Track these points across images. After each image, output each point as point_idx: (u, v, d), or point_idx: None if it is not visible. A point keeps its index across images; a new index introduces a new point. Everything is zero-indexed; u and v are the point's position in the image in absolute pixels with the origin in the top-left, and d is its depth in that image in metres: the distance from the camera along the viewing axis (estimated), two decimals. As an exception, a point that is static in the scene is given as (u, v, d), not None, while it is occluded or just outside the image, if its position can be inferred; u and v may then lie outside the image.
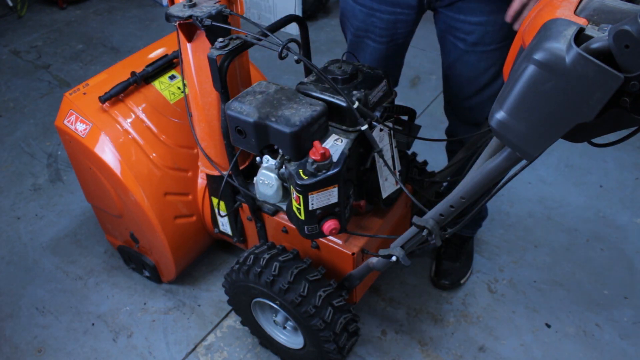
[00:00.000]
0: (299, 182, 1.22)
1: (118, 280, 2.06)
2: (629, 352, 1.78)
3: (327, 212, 1.29)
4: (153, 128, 1.73)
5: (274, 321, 1.68)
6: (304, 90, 1.35)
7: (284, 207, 1.54)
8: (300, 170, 1.23)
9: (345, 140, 1.28)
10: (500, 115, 0.84)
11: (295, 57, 1.21)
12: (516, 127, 0.83)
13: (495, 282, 2.01)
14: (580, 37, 0.76)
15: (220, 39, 1.33)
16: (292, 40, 1.29)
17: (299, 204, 1.26)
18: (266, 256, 1.50)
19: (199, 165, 1.77)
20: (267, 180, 1.46)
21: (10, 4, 3.93)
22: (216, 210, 1.76)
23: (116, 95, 1.67)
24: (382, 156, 1.30)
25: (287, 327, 1.67)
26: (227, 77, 1.34)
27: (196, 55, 1.44)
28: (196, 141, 1.61)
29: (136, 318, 1.92)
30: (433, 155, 2.12)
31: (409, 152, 1.66)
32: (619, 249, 2.12)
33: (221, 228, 1.84)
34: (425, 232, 1.16)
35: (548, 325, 1.87)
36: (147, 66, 1.75)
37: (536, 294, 1.97)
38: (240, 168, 1.62)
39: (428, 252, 2.11)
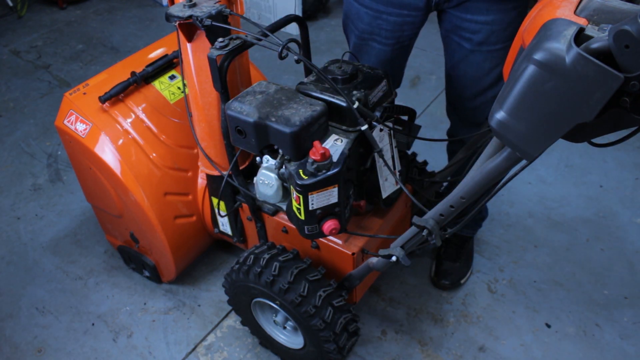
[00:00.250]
0: (299, 182, 1.22)
1: (118, 280, 2.06)
2: (629, 352, 1.78)
3: (327, 212, 1.29)
4: (153, 128, 1.73)
5: (274, 321, 1.68)
6: (304, 90, 1.35)
7: (284, 207, 1.54)
8: (300, 170, 1.23)
9: (345, 140, 1.28)
10: (500, 115, 0.84)
11: (295, 57, 1.21)
12: (516, 127, 0.83)
13: (495, 282, 2.01)
14: (580, 37, 0.76)
15: (220, 39, 1.33)
16: (292, 40, 1.29)
17: (299, 204, 1.26)
18: (266, 256, 1.50)
19: (199, 165, 1.77)
20: (267, 180, 1.46)
21: (10, 4, 3.93)
22: (216, 210, 1.76)
23: (116, 95, 1.67)
24: (382, 156, 1.30)
25: (287, 327, 1.67)
26: (227, 77, 1.34)
27: (196, 55, 1.44)
28: (196, 141, 1.61)
29: (136, 318, 1.92)
30: (433, 155, 2.12)
31: (409, 152, 1.66)
32: (619, 249, 2.11)
33: (221, 228, 1.84)
34: (425, 232, 1.16)
35: (548, 325, 1.87)
36: (147, 66, 1.75)
37: (536, 294, 1.96)
38: (240, 168, 1.62)
39: (428, 252, 2.11)
